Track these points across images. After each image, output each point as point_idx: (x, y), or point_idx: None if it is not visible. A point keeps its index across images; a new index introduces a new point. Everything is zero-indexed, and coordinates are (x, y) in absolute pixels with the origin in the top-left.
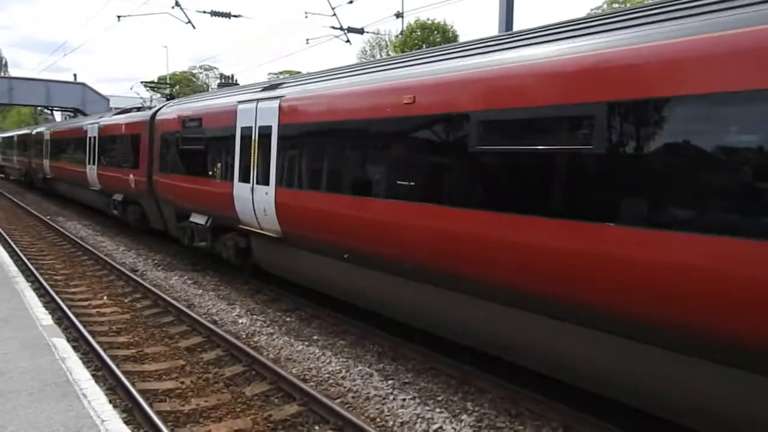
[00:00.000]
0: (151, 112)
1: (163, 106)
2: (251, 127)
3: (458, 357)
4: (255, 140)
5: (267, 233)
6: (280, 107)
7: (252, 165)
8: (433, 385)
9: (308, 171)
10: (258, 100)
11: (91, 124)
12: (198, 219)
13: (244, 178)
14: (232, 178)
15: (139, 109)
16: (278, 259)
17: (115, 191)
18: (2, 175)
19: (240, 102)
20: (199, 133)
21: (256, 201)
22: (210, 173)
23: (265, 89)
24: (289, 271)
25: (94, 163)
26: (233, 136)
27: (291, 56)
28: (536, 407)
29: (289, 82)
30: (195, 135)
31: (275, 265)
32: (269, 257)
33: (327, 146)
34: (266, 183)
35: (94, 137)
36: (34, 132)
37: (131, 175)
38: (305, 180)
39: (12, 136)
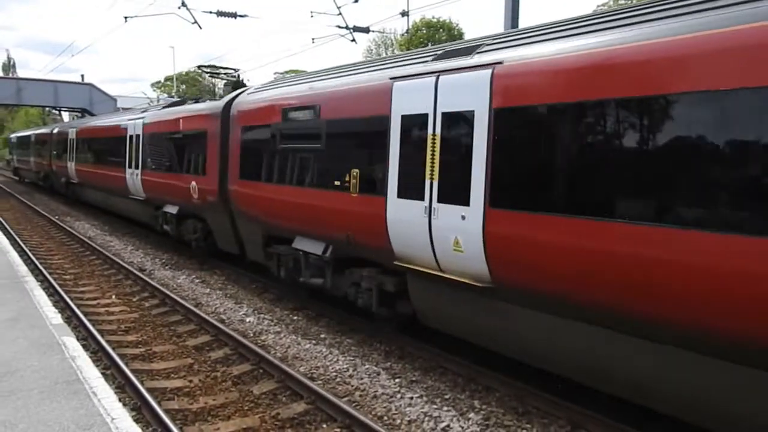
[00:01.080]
0: (222, 101)
1: (240, 93)
2: (425, 115)
3: (465, 355)
4: (434, 135)
5: (454, 278)
6: (494, 81)
7: (428, 173)
8: (441, 383)
9: (569, 183)
10: (439, 73)
11: (132, 121)
12: (308, 246)
13: (410, 192)
14: (382, 192)
15: (196, 100)
16: (469, 316)
17: (167, 202)
18: (16, 178)
19: (396, 78)
20: (314, 127)
21: (436, 228)
22: (335, 183)
23: (447, 55)
24: (490, 336)
25: (136, 167)
26: (384, 131)
27: (296, 56)
28: (544, 405)
29: (506, 39)
30: (305, 129)
31: (462, 324)
32: (450, 312)
33: (638, 138)
34: (461, 202)
35: (137, 136)
36: (55, 131)
37: (193, 183)
38: (560, 199)
39: (28, 136)
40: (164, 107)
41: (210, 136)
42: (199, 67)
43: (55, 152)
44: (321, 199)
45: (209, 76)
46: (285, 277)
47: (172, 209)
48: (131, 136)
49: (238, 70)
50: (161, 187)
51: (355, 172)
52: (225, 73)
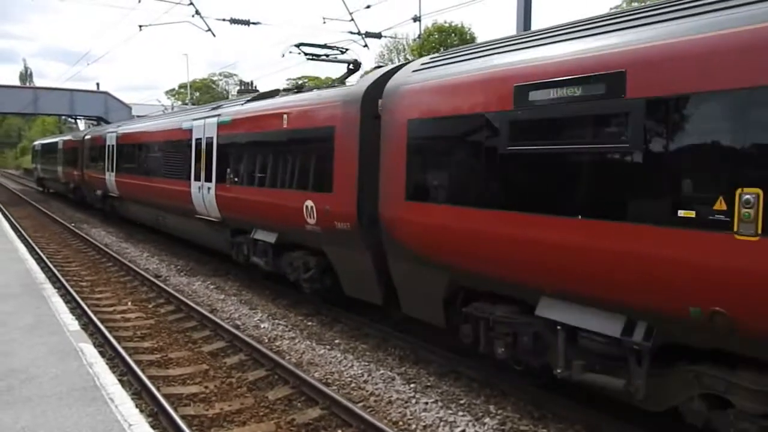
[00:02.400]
0: (361, 85)
1: (393, 70)
2: None
3: (480, 360)
4: None
5: None
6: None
7: None
8: (456, 388)
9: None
10: None
11: (200, 121)
12: (588, 320)
13: None
14: None
15: (298, 89)
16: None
17: (258, 226)
18: (40, 189)
19: None
20: (607, 111)
21: None
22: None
23: None
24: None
25: (207, 180)
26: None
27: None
28: (560, 410)
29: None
30: (578, 116)
31: None
32: None
33: None
34: None
35: (209, 140)
36: (87, 136)
37: (309, 203)
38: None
39: (55, 143)
40: (249, 100)
41: (340, 136)
42: (299, 45)
43: (88, 161)
44: (637, 242)
45: (310, 56)
46: (506, 358)
47: (266, 236)
48: (199, 141)
49: (346, 50)
50: (249, 206)
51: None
52: (333, 54)
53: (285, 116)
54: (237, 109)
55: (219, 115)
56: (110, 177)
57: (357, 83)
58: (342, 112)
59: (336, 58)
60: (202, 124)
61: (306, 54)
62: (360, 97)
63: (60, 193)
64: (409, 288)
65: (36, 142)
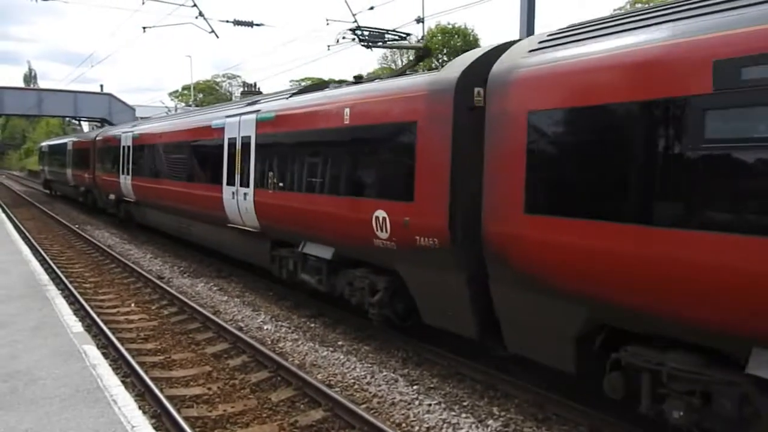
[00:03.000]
0: (452, 73)
1: (495, 52)
2: None
3: (483, 362)
4: None
5: None
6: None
7: None
8: (459, 390)
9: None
10: None
11: (234, 118)
12: None
13: None
14: None
15: (357, 79)
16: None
17: (309, 239)
18: (47, 191)
19: None
20: None
21: None
22: None
23: None
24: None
25: (244, 185)
26: None
27: (313, 63)
28: (563, 411)
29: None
30: None
31: None
32: None
33: None
34: None
35: (245, 139)
36: (99, 137)
37: (380, 213)
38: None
39: (63, 144)
40: (295, 93)
41: (425, 133)
42: (354, 30)
43: (100, 163)
44: None
45: (366, 42)
46: (687, 424)
47: (319, 251)
48: (233, 140)
49: (408, 35)
50: (298, 216)
51: None
52: (393, 39)
53: (347, 111)
54: (281, 103)
55: (258, 111)
56: (125, 180)
57: (444, 69)
58: (427, 104)
59: (398, 43)
60: (237, 122)
61: (362, 40)
62: (453, 85)
63: (68, 196)
64: (521, 322)
65: (43, 143)
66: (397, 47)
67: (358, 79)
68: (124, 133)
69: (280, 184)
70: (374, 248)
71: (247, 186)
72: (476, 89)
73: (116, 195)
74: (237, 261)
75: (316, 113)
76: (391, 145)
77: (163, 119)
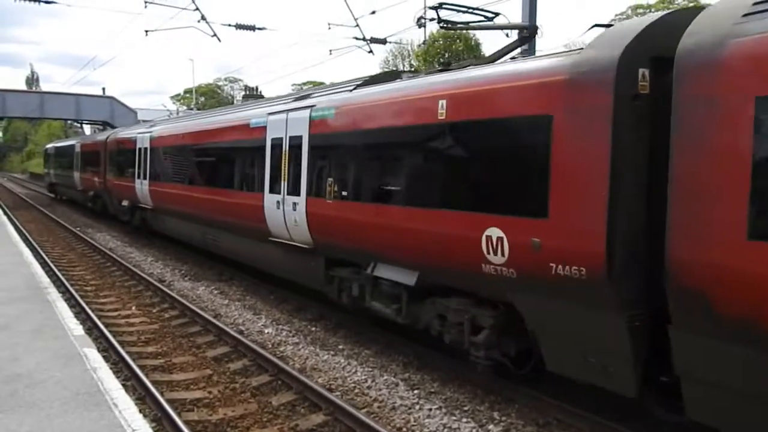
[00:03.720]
0: (609, 51)
1: (665, 20)
2: None
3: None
4: None
5: None
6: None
7: None
8: (460, 394)
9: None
10: None
11: (279, 114)
12: None
13: None
14: None
15: (445, 66)
16: None
17: (382, 258)
18: (52, 195)
19: None
20: None
21: None
22: None
23: None
24: None
25: (293, 193)
26: None
27: (314, 67)
28: (564, 416)
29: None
30: None
31: None
32: None
33: None
34: None
35: (296, 139)
36: (111, 138)
37: (496, 232)
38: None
39: (71, 146)
40: (360, 85)
41: (565, 129)
42: (437, 8)
43: (112, 167)
44: None
45: (450, 24)
46: None
47: (398, 275)
48: (278, 141)
49: (497, 14)
50: (367, 231)
51: None
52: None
53: (442, 104)
54: (343, 98)
55: (312, 106)
56: (142, 185)
57: (590, 47)
58: (568, 92)
59: (491, 24)
60: (283, 120)
61: (445, 23)
62: (613, 67)
63: (76, 201)
64: (727, 388)
65: (49, 145)
66: (489, 28)
67: (446, 66)
68: (141, 134)
69: (343, 193)
70: (481, 275)
71: (297, 194)
72: (641, 71)
73: (130, 201)
74: (239, 264)
75: (396, 108)
76: (509, 146)
77: (186, 118)
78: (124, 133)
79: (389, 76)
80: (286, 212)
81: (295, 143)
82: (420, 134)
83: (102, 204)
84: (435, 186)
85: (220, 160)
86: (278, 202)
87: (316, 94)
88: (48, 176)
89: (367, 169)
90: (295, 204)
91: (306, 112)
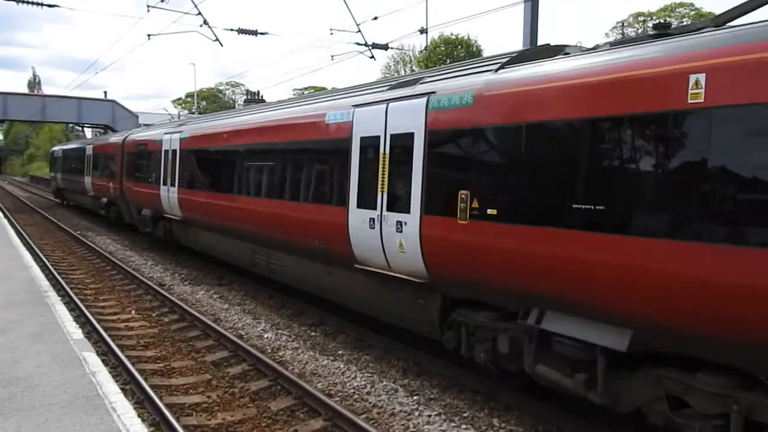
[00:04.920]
0: None
1: None
2: None
3: (484, 373)
4: None
5: None
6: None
7: None
8: (459, 401)
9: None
10: None
11: (376, 106)
12: None
13: None
14: None
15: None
16: None
17: (556, 306)
18: (58, 201)
19: None
20: None
21: None
22: None
23: None
24: None
25: (398, 208)
26: None
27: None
28: (564, 423)
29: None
30: None
31: None
32: None
33: None
34: None
35: (400, 139)
36: (129, 139)
37: None
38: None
39: (82, 148)
40: (505, 64)
41: None
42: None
43: (131, 171)
44: None
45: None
46: None
47: (589, 332)
48: (370, 142)
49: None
50: (532, 263)
51: None
52: None
53: (698, 79)
54: (484, 80)
55: (429, 93)
56: (169, 193)
57: None
58: None
59: None
60: (380, 113)
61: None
62: None
63: (85, 208)
64: None
65: (56, 147)
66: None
67: (666, 28)
68: (168, 134)
69: (489, 212)
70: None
71: (405, 211)
72: None
73: (153, 210)
74: (238, 269)
75: (596, 91)
76: None
77: (226, 115)
78: (145, 133)
79: (546, 51)
80: (385, 234)
81: (401, 143)
82: (654, 126)
83: (117, 212)
84: (707, 201)
85: (279, 165)
86: (372, 219)
87: (426, 79)
88: (54, 181)
89: (538, 177)
90: (401, 224)
91: (419, 102)
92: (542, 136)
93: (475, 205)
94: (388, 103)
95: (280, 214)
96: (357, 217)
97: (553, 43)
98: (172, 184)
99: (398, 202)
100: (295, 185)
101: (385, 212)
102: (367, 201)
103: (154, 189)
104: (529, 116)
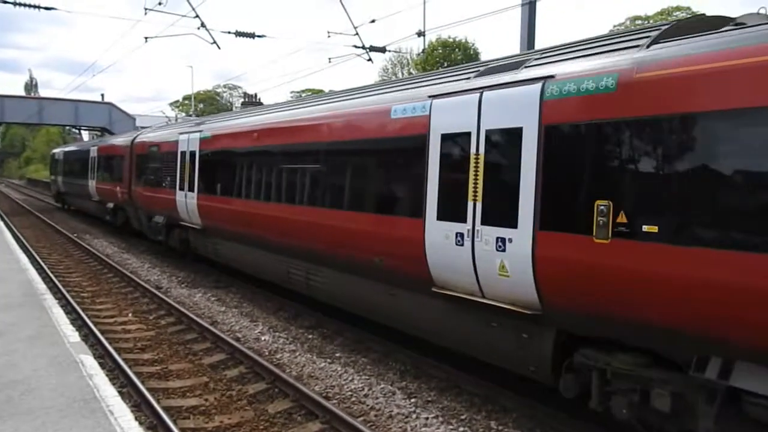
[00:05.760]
0: None
1: None
2: None
3: (482, 375)
4: None
5: None
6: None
7: None
8: (457, 403)
9: None
10: None
11: (461, 96)
12: None
13: None
14: None
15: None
16: None
17: None
18: (58, 205)
19: None
20: None
21: None
22: None
23: None
24: None
25: (498, 221)
26: None
27: (313, 75)
28: (561, 426)
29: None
30: None
31: None
32: None
33: None
34: None
35: (513, 134)
36: (138, 140)
37: None
38: None
39: (85, 150)
40: (655, 41)
41: None
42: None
43: (142, 174)
44: None
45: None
46: None
47: None
48: (450, 139)
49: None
50: (725, 298)
51: None
52: None
53: None
54: (629, 59)
55: (545, 78)
56: (187, 199)
57: None
58: None
59: None
60: (470, 104)
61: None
62: None
63: (88, 213)
64: None
65: (56, 150)
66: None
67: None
68: (185, 133)
69: (648, 229)
70: None
71: (510, 225)
72: None
73: (167, 217)
74: (236, 272)
75: None
76: None
77: (255, 112)
78: (157, 133)
79: (705, 23)
80: (478, 253)
81: (504, 140)
82: None
83: (125, 219)
84: None
85: (325, 168)
86: (459, 235)
87: (533, 62)
88: (55, 184)
89: (735, 185)
90: (502, 241)
91: (531, 90)
92: (733, 128)
93: (622, 219)
94: (482, 92)
95: (325, 224)
96: (437, 231)
97: (547, 44)
98: (191, 189)
99: (499, 214)
100: (347, 192)
101: (478, 226)
102: (451, 212)
103: (168, 194)
104: (713, 103)
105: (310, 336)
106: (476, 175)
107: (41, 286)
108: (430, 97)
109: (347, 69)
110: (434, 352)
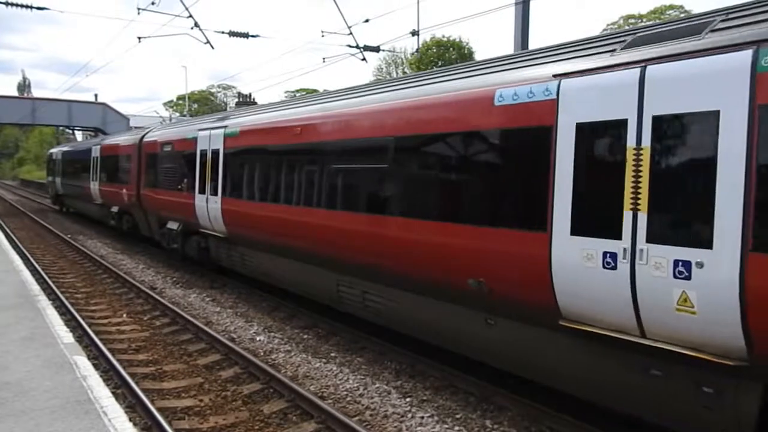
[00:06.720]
0: None
1: None
2: None
3: (477, 374)
4: None
5: None
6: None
7: None
8: (452, 402)
9: None
10: None
11: (627, 68)
12: None
13: None
14: None
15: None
16: None
17: None
18: (56, 207)
19: None
20: None
21: None
22: None
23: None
24: None
25: (687, 240)
26: None
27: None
28: (557, 424)
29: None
30: None
31: None
32: None
33: None
34: None
35: (704, 117)
36: (147, 139)
37: None
38: None
39: (86, 150)
40: None
41: None
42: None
43: (152, 176)
44: None
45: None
46: None
47: None
48: (590, 132)
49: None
50: None
51: None
52: None
53: None
54: None
55: (764, 41)
56: (209, 204)
57: None
58: None
59: None
60: (631, 80)
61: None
62: None
63: (90, 217)
64: None
65: (54, 149)
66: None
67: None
68: (205, 130)
69: None
70: None
71: (701, 245)
72: None
73: (184, 224)
74: (232, 272)
75: None
76: None
77: (293, 104)
78: (171, 130)
79: None
80: (642, 279)
81: (686, 129)
82: None
83: (131, 224)
84: None
85: (404, 168)
86: (609, 255)
87: (718, 24)
88: (53, 186)
89: None
90: (687, 265)
91: (735, 60)
92: None
93: None
94: (644, 67)
95: (398, 237)
96: (571, 249)
97: (544, 44)
98: (213, 192)
99: (678, 229)
100: (431, 198)
101: (642, 244)
102: (596, 225)
103: (185, 198)
104: None
105: (305, 336)
106: (637, 176)
107: (35, 287)
108: (556, 76)
109: (341, 68)
110: (429, 352)
